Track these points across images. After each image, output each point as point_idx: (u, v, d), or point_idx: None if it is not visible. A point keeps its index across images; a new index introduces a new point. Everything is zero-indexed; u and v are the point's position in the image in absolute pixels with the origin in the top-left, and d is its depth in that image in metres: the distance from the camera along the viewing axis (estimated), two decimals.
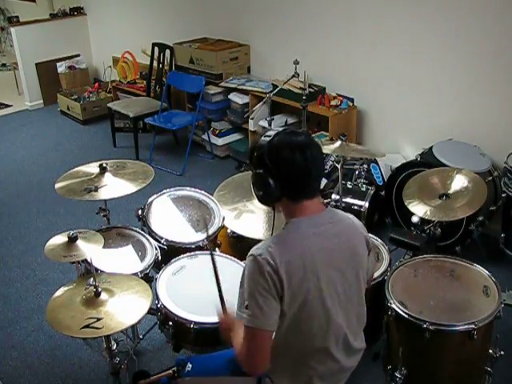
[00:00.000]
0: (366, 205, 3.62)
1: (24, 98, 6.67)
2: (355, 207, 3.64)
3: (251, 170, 1.72)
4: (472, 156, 3.51)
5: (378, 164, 3.89)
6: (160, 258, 2.65)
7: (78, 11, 6.77)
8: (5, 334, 3.08)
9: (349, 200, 3.65)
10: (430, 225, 2.90)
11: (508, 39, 3.36)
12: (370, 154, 3.49)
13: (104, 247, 2.45)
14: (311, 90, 4.24)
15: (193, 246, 2.68)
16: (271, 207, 1.76)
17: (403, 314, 2.18)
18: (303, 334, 1.68)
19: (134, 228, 2.82)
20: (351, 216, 1.82)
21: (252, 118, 4.56)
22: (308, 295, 1.62)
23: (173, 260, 2.54)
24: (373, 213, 3.70)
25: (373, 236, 2.74)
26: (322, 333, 1.68)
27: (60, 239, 2.39)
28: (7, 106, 6.75)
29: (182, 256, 2.56)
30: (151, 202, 2.90)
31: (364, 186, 3.74)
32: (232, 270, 2.38)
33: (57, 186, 2.71)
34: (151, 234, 2.76)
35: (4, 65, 8.07)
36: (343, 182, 3.67)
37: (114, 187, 2.70)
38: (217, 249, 2.78)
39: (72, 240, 2.36)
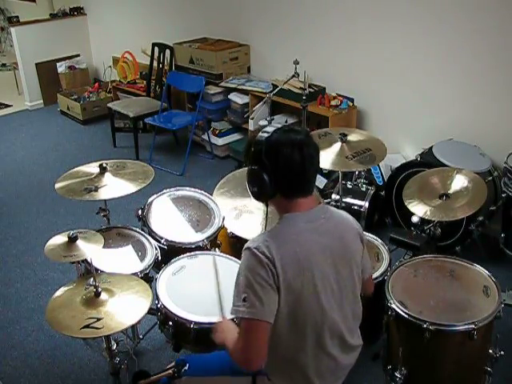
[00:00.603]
0: (366, 205, 3.62)
1: (24, 97, 6.67)
2: (355, 207, 3.64)
3: (247, 166, 1.72)
4: (472, 156, 3.51)
5: (378, 164, 3.89)
6: (160, 257, 2.65)
7: (78, 11, 6.78)
8: (5, 333, 3.08)
9: (349, 200, 3.65)
10: (430, 225, 2.90)
11: (508, 39, 3.36)
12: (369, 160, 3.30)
13: (104, 247, 2.46)
14: (311, 89, 4.24)
15: (193, 246, 2.68)
16: (264, 204, 1.77)
17: (403, 313, 2.18)
18: (298, 329, 1.68)
19: (134, 228, 2.82)
20: (344, 212, 1.83)
21: (252, 118, 4.56)
22: (302, 290, 1.63)
23: (173, 260, 2.53)
24: (373, 213, 3.71)
25: (373, 236, 2.76)
26: (317, 329, 1.69)
27: (60, 239, 2.40)
28: (7, 105, 6.75)
29: (181, 256, 2.56)
30: (151, 202, 2.90)
31: (364, 185, 3.74)
32: (232, 270, 2.38)
33: (57, 185, 2.71)
34: (151, 233, 2.76)
35: (4, 65, 8.07)
36: (343, 182, 3.67)
37: (113, 187, 2.70)
38: (217, 249, 2.78)
39: (72, 240, 2.36)
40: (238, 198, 2.90)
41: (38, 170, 5.04)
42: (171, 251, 2.67)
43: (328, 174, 3.98)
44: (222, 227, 2.79)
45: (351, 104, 4.27)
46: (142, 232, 2.79)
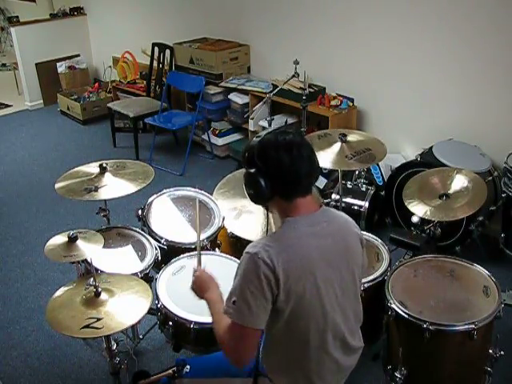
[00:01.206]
0: (366, 205, 3.62)
1: (24, 97, 6.67)
2: (355, 207, 3.64)
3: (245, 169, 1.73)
4: (472, 156, 3.51)
5: (378, 164, 3.89)
6: (160, 257, 2.65)
7: (78, 11, 6.78)
8: (5, 334, 3.08)
9: (349, 200, 3.65)
10: (430, 225, 2.90)
11: (508, 40, 3.36)
12: (369, 159, 3.31)
13: (104, 247, 2.46)
14: (311, 89, 4.24)
15: (193, 246, 2.68)
16: (264, 207, 1.77)
17: (403, 313, 2.18)
18: (301, 331, 1.68)
19: (134, 228, 2.82)
20: (344, 214, 1.83)
21: (252, 118, 4.56)
22: (305, 293, 1.63)
23: (173, 260, 2.54)
24: (373, 213, 3.70)
25: (373, 236, 2.75)
26: (319, 331, 1.69)
27: (60, 239, 2.40)
28: (7, 105, 6.75)
29: (181, 256, 2.56)
30: (151, 202, 2.91)
31: (364, 185, 3.74)
32: (232, 269, 2.38)
33: (57, 185, 2.71)
34: (151, 234, 2.76)
35: (4, 65, 8.07)
36: (343, 182, 3.67)
37: (113, 187, 2.70)
38: (217, 249, 2.78)
39: (72, 240, 2.36)
40: (237, 198, 2.90)
41: (38, 170, 5.04)
42: (171, 251, 2.67)
43: (328, 174, 3.98)
44: (222, 227, 2.80)
45: (351, 104, 4.27)
46: (142, 232, 2.79)
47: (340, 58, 4.35)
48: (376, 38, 4.05)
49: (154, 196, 2.94)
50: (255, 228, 2.67)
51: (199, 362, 2.08)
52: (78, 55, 6.73)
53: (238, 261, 1.69)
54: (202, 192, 3.00)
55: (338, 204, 3.36)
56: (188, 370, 1.92)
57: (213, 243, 2.76)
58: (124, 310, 2.06)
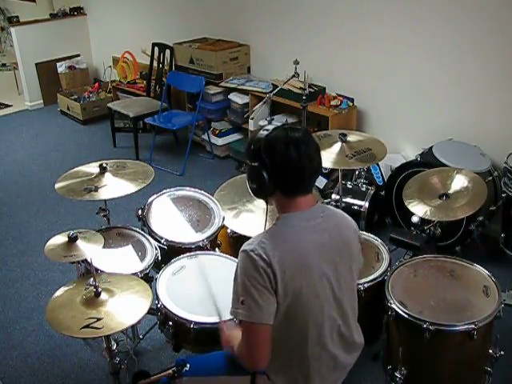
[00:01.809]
0: (366, 205, 3.62)
1: (24, 97, 6.67)
2: (355, 207, 3.64)
3: (247, 164, 1.73)
4: (472, 156, 3.51)
5: (378, 164, 3.89)
6: (160, 257, 2.65)
7: (78, 11, 6.78)
8: (5, 333, 3.08)
9: (349, 200, 3.65)
10: (430, 225, 2.90)
11: (508, 40, 3.36)
12: (369, 159, 3.31)
13: (104, 247, 2.45)
14: (311, 89, 4.24)
15: (193, 246, 2.68)
16: (265, 201, 1.77)
17: (403, 314, 2.18)
18: (298, 327, 1.68)
19: (134, 228, 2.82)
20: (341, 211, 1.84)
21: (252, 118, 4.55)
22: (301, 289, 1.63)
23: (173, 260, 2.53)
24: (373, 213, 3.70)
25: (373, 236, 2.75)
26: (317, 326, 1.69)
27: (60, 239, 2.39)
28: (7, 105, 6.75)
29: (181, 256, 2.56)
30: (151, 201, 2.90)
31: (364, 186, 3.74)
32: (232, 269, 2.37)
33: (57, 185, 2.71)
34: (151, 234, 2.76)
35: (4, 65, 8.07)
36: (343, 182, 3.67)
37: (114, 187, 2.70)
38: (217, 249, 2.78)
39: (72, 240, 2.36)
40: (237, 200, 2.90)
41: (38, 170, 5.04)
42: (171, 251, 2.67)
43: (328, 174, 3.98)
44: (222, 227, 2.79)
45: (351, 104, 4.27)
46: (142, 232, 2.79)
47: (340, 58, 4.35)
48: (376, 38, 4.05)
49: (154, 196, 2.94)
50: (255, 226, 2.66)
51: (199, 360, 2.08)
52: (78, 55, 6.73)
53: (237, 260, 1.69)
54: (202, 192, 3.00)
55: (338, 204, 3.36)
56: (188, 369, 1.92)
57: (213, 243, 2.76)
58: (124, 310, 2.06)
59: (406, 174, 3.47)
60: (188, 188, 3.05)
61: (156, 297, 2.32)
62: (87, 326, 1.96)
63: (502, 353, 2.25)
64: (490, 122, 3.59)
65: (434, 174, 2.93)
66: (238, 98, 4.85)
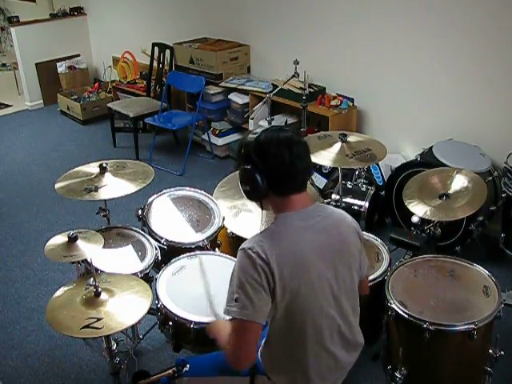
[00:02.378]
0: (366, 205, 3.62)
1: (24, 97, 6.67)
2: (355, 207, 3.64)
3: (239, 167, 1.74)
4: (472, 156, 3.51)
5: (378, 164, 3.89)
6: (160, 257, 2.65)
7: (78, 11, 6.78)
8: (5, 333, 3.08)
9: (349, 200, 3.65)
10: (430, 225, 2.90)
11: (508, 40, 3.36)
12: (369, 158, 3.31)
13: (104, 247, 2.45)
14: (311, 89, 4.24)
15: (193, 246, 2.68)
16: (258, 204, 1.77)
17: (403, 314, 2.18)
18: (297, 327, 1.68)
19: (134, 228, 2.82)
20: (341, 211, 1.83)
21: (252, 118, 4.56)
22: (299, 288, 1.63)
23: (173, 260, 2.53)
24: (373, 213, 3.71)
25: (373, 236, 2.76)
26: (316, 326, 1.69)
27: (60, 239, 2.39)
28: (7, 105, 6.75)
29: (181, 256, 2.56)
30: (151, 202, 2.90)
31: (364, 186, 3.74)
32: (232, 270, 2.38)
33: (57, 185, 2.71)
34: (151, 234, 2.76)
35: (4, 65, 8.07)
36: (343, 182, 3.67)
37: (114, 187, 2.70)
38: (217, 249, 2.78)
39: (72, 240, 2.36)
40: (237, 197, 2.90)
41: (38, 170, 5.04)
42: (171, 251, 2.67)
43: (328, 174, 3.98)
44: (222, 227, 2.80)
45: (351, 104, 4.27)
46: (142, 232, 2.79)
47: (340, 58, 4.35)
48: (376, 38, 4.05)
49: (154, 196, 2.94)
50: (254, 226, 2.66)
51: (199, 360, 2.08)
52: (78, 55, 6.74)
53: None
54: (202, 192, 3.00)
55: (338, 204, 3.36)
56: (187, 369, 1.92)
57: (213, 243, 2.76)
58: (124, 309, 2.06)
59: (406, 173, 3.47)
60: (188, 188, 3.05)
61: (156, 297, 2.32)
62: (87, 326, 1.96)
63: (502, 353, 2.25)
64: (490, 122, 3.59)
65: (433, 174, 2.93)
66: (238, 98, 4.85)
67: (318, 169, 3.99)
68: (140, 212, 2.83)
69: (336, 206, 3.40)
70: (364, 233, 2.76)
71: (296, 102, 4.18)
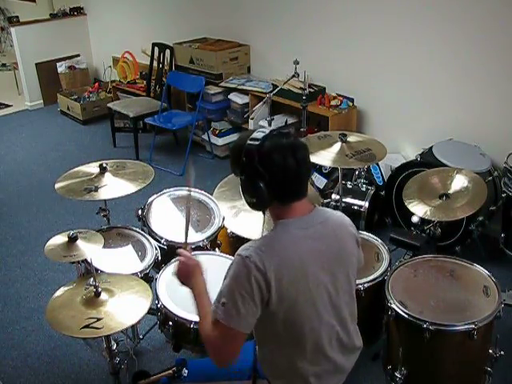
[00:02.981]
0: (366, 205, 3.62)
1: (24, 97, 6.67)
2: (355, 207, 3.64)
3: (238, 175, 1.67)
4: (472, 156, 3.51)
5: (378, 164, 3.89)
6: (160, 257, 2.65)
7: (78, 11, 6.78)
8: (5, 333, 3.08)
9: (349, 200, 3.65)
10: (429, 225, 2.90)
11: (509, 39, 3.36)
12: (369, 158, 3.31)
13: (104, 247, 2.46)
14: (311, 89, 4.24)
15: (193, 246, 2.67)
16: (262, 212, 1.73)
17: (403, 314, 2.18)
18: (296, 334, 1.68)
19: (134, 228, 2.82)
20: (340, 214, 1.81)
21: (252, 118, 4.55)
22: (297, 296, 1.62)
23: (173, 260, 2.53)
24: (373, 213, 3.70)
25: (373, 236, 2.76)
26: (314, 333, 1.69)
27: (60, 239, 2.39)
28: (7, 105, 6.75)
29: None
30: (151, 202, 2.91)
31: (364, 186, 3.74)
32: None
33: (57, 185, 2.71)
34: (151, 234, 2.76)
35: (4, 65, 8.06)
36: (343, 182, 3.67)
37: (114, 187, 2.70)
38: (217, 249, 2.78)
39: (72, 240, 2.36)
40: (237, 198, 2.90)
41: (38, 170, 5.04)
42: (171, 251, 2.66)
43: (328, 174, 3.98)
44: (222, 227, 2.79)
45: (351, 104, 4.27)
46: (142, 232, 2.79)
47: (340, 58, 4.35)
48: (376, 38, 4.05)
49: (154, 196, 2.94)
50: (253, 226, 2.66)
51: (197, 365, 2.07)
52: (78, 55, 6.73)
53: None
54: (202, 192, 3.00)
55: (338, 204, 3.36)
56: (186, 375, 1.91)
57: (213, 243, 2.76)
58: (124, 310, 2.06)
59: (406, 173, 3.47)
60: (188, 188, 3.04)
61: (156, 297, 2.32)
62: (87, 326, 1.96)
63: (502, 353, 2.25)
64: (490, 122, 3.59)
65: (433, 174, 2.93)
66: (237, 98, 4.85)
67: (318, 169, 3.99)
68: (140, 212, 2.83)
69: (336, 206, 3.44)
70: (364, 233, 2.78)
71: (296, 102, 4.18)
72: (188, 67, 5.15)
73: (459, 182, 2.81)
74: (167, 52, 5.45)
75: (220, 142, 5.06)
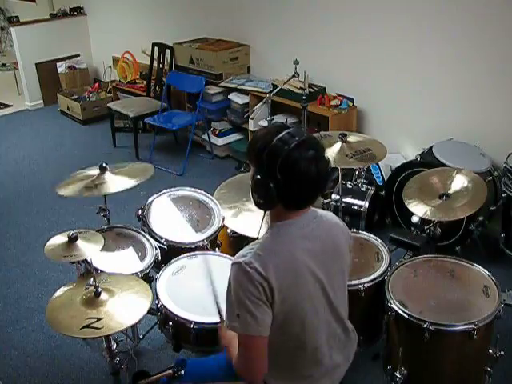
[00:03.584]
0: (366, 205, 3.62)
1: (24, 98, 6.67)
2: (355, 207, 3.64)
3: (252, 170, 1.67)
4: (472, 156, 3.51)
5: (378, 164, 3.89)
6: (160, 258, 2.65)
7: (78, 11, 6.78)
8: (5, 333, 3.08)
9: (349, 200, 3.65)
10: (430, 225, 2.90)
11: (509, 39, 3.36)
12: (369, 158, 3.30)
13: (104, 247, 2.45)
14: (311, 90, 4.24)
15: (193, 246, 2.68)
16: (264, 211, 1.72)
17: (403, 314, 2.18)
18: (295, 333, 1.68)
19: (134, 228, 2.82)
20: (331, 214, 1.83)
21: (252, 118, 4.55)
22: (297, 296, 1.63)
23: (173, 260, 2.54)
24: (373, 213, 3.70)
25: (373, 236, 2.75)
26: (312, 331, 1.69)
27: (60, 239, 2.39)
28: (7, 105, 6.75)
29: (181, 256, 2.57)
30: (151, 202, 2.91)
31: (364, 185, 3.74)
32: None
33: (60, 192, 2.68)
34: (151, 233, 2.76)
35: (4, 65, 8.07)
36: (343, 182, 3.67)
37: (114, 183, 2.69)
38: (217, 249, 2.78)
39: (72, 240, 2.35)
40: (236, 199, 2.89)
41: (38, 170, 5.04)
42: (171, 251, 2.67)
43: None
44: (222, 227, 2.80)
45: (351, 104, 4.27)
46: (142, 232, 2.79)
47: (340, 58, 4.35)
48: (376, 38, 4.05)
49: (154, 196, 2.94)
50: (254, 226, 2.66)
51: (196, 365, 2.06)
52: (78, 55, 6.73)
53: None
54: (202, 192, 3.00)
55: (338, 204, 3.36)
56: (183, 374, 1.91)
57: (213, 243, 2.76)
58: (124, 310, 2.07)
59: (406, 174, 3.47)
60: (188, 188, 3.05)
61: (156, 297, 2.32)
62: (87, 326, 1.96)
63: (501, 353, 2.25)
64: (490, 122, 3.59)
65: (433, 174, 2.93)
66: (238, 98, 4.85)
67: None
68: (140, 212, 2.83)
69: (336, 206, 3.44)
70: (364, 233, 2.78)
71: (296, 102, 4.18)
72: (188, 67, 5.15)
73: (459, 182, 2.81)
74: (167, 52, 5.45)
75: (220, 142, 5.06)
